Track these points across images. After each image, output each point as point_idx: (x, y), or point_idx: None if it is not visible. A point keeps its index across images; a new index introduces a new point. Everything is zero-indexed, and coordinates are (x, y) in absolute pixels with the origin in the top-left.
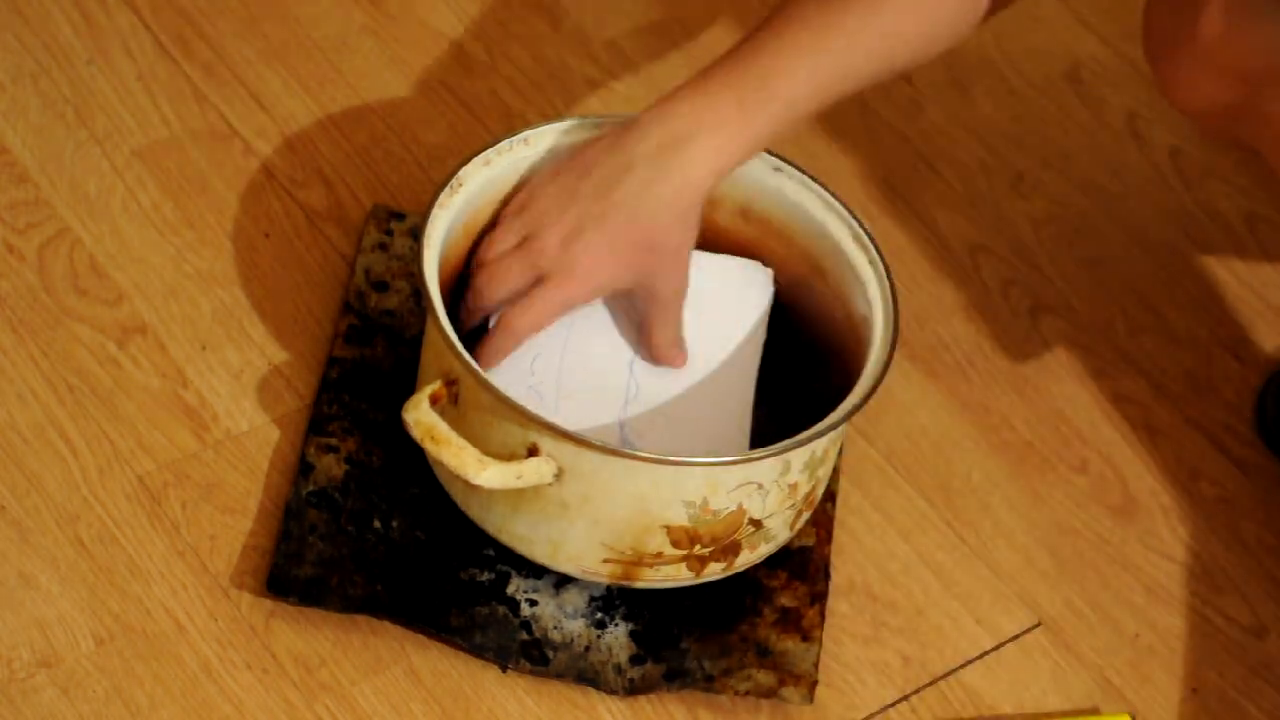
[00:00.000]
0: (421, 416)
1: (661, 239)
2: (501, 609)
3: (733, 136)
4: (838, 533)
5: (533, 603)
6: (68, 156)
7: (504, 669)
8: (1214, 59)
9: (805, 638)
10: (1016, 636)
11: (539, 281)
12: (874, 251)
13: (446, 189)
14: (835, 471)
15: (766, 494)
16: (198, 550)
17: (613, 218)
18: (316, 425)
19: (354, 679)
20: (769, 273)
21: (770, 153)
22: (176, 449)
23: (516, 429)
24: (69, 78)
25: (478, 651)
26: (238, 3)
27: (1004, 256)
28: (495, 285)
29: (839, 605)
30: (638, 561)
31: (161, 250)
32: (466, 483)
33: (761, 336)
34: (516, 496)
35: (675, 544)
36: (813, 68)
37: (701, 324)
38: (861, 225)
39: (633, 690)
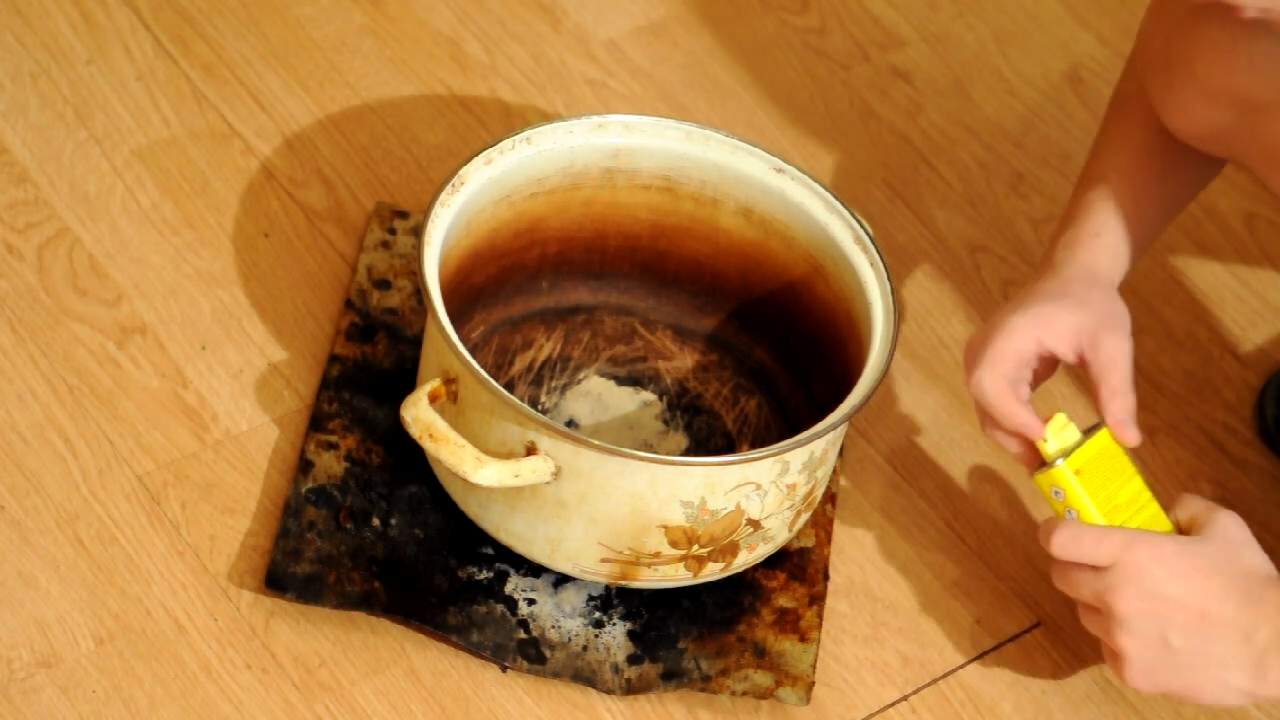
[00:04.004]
0: (420, 414)
1: None
2: (499, 607)
3: None
4: (837, 533)
5: (531, 601)
6: (67, 156)
7: (503, 669)
8: (1209, 83)
9: (803, 639)
10: (1016, 636)
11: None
12: (874, 252)
13: (448, 187)
14: (835, 472)
15: (765, 494)
16: (197, 550)
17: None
18: (316, 422)
19: (354, 679)
20: None
21: (772, 154)
22: (176, 449)
23: (515, 427)
24: (69, 78)
25: (475, 650)
26: (238, 3)
27: (1004, 256)
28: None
29: (838, 605)
30: (635, 561)
31: (161, 250)
32: (465, 481)
33: None
34: (515, 495)
35: (673, 544)
36: None
37: None
38: (862, 226)
39: (630, 690)
